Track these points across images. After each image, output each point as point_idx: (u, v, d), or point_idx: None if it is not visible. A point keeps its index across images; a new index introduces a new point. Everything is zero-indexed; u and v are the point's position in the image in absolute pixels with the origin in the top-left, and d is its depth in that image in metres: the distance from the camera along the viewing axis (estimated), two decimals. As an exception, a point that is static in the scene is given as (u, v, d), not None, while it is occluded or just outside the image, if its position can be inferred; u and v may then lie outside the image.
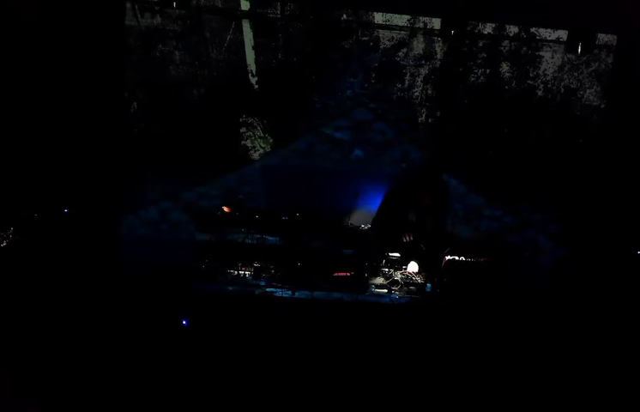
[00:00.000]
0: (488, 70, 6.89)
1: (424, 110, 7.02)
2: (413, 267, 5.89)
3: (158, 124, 6.83)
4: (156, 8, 6.64)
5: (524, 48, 6.81)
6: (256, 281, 5.77)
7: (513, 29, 6.76)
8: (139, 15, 6.67)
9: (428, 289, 5.79)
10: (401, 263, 5.96)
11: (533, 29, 6.71)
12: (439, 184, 6.82)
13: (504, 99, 6.92)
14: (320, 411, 4.75)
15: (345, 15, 6.72)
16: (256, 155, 7.05)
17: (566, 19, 6.40)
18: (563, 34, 6.65)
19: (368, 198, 6.77)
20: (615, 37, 6.68)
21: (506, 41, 6.81)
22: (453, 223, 6.92)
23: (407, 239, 6.23)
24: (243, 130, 7.05)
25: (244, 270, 5.84)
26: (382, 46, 6.89)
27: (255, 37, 6.77)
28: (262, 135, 7.04)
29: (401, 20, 6.81)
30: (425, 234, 6.36)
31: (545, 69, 6.87)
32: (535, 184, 6.96)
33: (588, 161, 6.85)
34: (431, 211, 6.53)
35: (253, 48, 6.85)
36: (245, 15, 6.79)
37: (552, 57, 6.82)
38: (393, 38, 6.88)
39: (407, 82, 7.00)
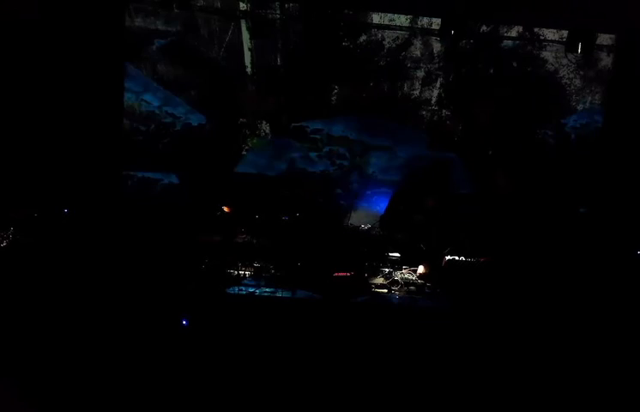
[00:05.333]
0: (490, 70, 6.91)
1: (427, 111, 7.04)
2: (421, 269, 5.91)
3: (157, 124, 6.85)
4: (156, 8, 6.65)
5: (524, 48, 6.83)
6: (256, 282, 5.78)
7: (514, 29, 6.78)
8: (138, 16, 6.68)
9: (428, 289, 5.80)
10: (401, 263, 5.97)
11: (533, 29, 6.73)
12: (444, 187, 6.82)
13: (503, 99, 6.93)
14: (320, 411, 4.74)
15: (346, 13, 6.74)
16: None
17: (566, 19, 6.41)
18: (563, 34, 6.66)
19: (368, 199, 6.77)
20: (615, 37, 6.69)
21: (506, 41, 6.82)
22: (454, 224, 6.92)
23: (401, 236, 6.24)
24: (242, 130, 7.06)
25: (244, 270, 5.84)
26: (386, 46, 6.91)
27: (251, 38, 6.78)
28: (260, 135, 7.05)
29: (401, 20, 6.83)
30: (429, 236, 6.37)
31: (544, 69, 6.87)
32: (536, 183, 6.96)
33: (588, 161, 6.85)
34: (436, 213, 6.54)
35: (250, 50, 6.86)
36: (243, 15, 6.81)
37: (552, 57, 6.83)
38: (397, 38, 6.89)
39: (409, 83, 7.02)
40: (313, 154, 7.02)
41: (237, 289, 5.71)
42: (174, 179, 6.94)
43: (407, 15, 6.77)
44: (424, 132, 7.07)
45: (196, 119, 6.98)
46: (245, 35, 6.85)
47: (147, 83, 6.95)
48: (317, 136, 7.04)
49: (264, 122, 7.03)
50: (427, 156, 7.02)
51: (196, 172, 6.86)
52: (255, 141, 7.03)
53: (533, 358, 5.30)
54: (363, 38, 6.83)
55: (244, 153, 7.03)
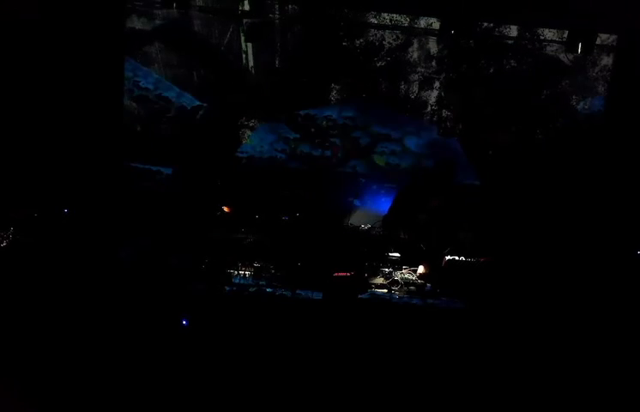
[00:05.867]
0: (489, 70, 6.91)
1: (427, 111, 7.05)
2: (421, 269, 5.92)
3: (158, 125, 6.85)
4: (156, 9, 6.66)
5: (524, 48, 6.83)
6: (256, 281, 5.78)
7: (514, 29, 6.78)
8: (138, 16, 6.68)
9: (428, 289, 5.80)
10: (401, 263, 5.97)
11: (533, 29, 6.74)
12: (449, 186, 6.80)
13: (502, 99, 6.93)
14: (320, 411, 4.74)
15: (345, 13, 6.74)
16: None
17: (566, 19, 6.41)
18: (563, 34, 6.66)
19: (368, 198, 6.78)
20: (615, 37, 6.69)
21: (506, 41, 6.83)
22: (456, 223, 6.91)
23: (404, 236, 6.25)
24: (243, 131, 7.06)
25: (244, 270, 5.84)
26: (386, 46, 6.92)
27: (246, 41, 6.79)
28: (256, 130, 7.06)
29: (401, 20, 6.84)
30: (431, 235, 6.36)
31: (545, 69, 6.88)
32: (536, 183, 6.96)
33: (588, 161, 6.85)
34: (440, 213, 6.53)
35: (244, 52, 6.88)
36: (239, 17, 6.82)
37: (552, 57, 6.83)
38: (397, 38, 6.90)
39: (409, 83, 7.02)
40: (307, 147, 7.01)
41: (237, 289, 5.71)
42: (172, 173, 6.94)
43: (407, 14, 6.77)
44: (426, 125, 7.04)
45: (191, 104, 6.96)
46: (242, 37, 6.86)
47: (147, 77, 6.96)
48: (320, 124, 7.01)
49: (261, 120, 7.04)
50: (435, 143, 6.98)
51: (193, 165, 6.85)
52: (250, 139, 7.04)
53: (532, 358, 5.30)
54: (362, 38, 6.84)
55: (241, 147, 7.03)
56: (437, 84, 6.98)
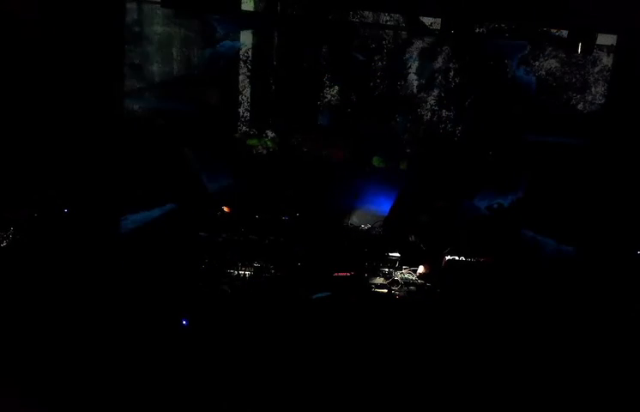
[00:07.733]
0: (490, 70, 6.91)
1: (428, 111, 7.04)
2: (421, 269, 5.93)
3: (159, 124, 6.85)
4: (156, 8, 6.66)
5: (524, 47, 6.83)
6: (256, 281, 5.78)
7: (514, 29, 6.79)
8: (139, 15, 6.68)
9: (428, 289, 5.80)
10: (401, 263, 5.97)
11: (533, 29, 6.74)
12: (452, 186, 6.81)
13: (502, 98, 6.93)
14: (320, 411, 4.75)
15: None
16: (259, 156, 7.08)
17: (566, 19, 6.42)
18: (563, 34, 6.67)
19: (367, 198, 6.78)
20: (615, 37, 6.70)
21: (506, 40, 6.83)
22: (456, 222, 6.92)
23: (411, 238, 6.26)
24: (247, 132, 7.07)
25: (244, 270, 5.85)
26: (386, 47, 6.92)
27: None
28: (265, 136, 7.06)
29: (401, 20, 6.85)
30: (429, 236, 6.37)
31: (544, 69, 6.88)
32: (536, 183, 6.96)
33: (588, 161, 6.85)
34: (444, 215, 6.54)
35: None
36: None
37: (552, 57, 6.83)
38: (397, 38, 6.91)
39: (411, 83, 7.02)
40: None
41: (236, 289, 5.72)
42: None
43: (406, 15, 6.77)
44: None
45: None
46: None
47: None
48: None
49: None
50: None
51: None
52: (255, 141, 7.04)
53: (532, 358, 5.30)
54: (362, 38, 6.84)
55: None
56: (436, 84, 6.98)
